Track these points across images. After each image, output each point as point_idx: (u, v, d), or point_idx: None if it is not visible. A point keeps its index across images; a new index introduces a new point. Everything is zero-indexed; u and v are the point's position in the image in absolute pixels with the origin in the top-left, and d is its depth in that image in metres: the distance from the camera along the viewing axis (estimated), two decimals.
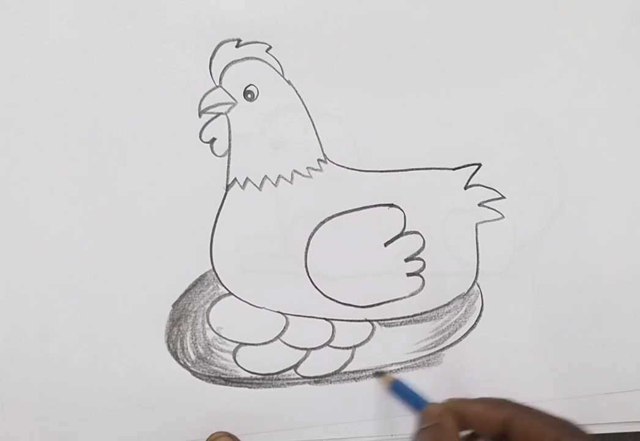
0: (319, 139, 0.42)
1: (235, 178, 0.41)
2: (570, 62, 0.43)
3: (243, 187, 0.41)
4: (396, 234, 0.42)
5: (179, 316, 0.41)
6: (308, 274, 0.41)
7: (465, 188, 0.42)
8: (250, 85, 0.41)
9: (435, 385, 0.41)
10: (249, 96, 0.41)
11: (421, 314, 0.42)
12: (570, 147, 0.43)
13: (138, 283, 0.41)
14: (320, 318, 0.41)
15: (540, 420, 0.33)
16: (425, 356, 0.42)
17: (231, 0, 0.41)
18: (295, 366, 0.41)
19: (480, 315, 0.42)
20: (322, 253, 0.41)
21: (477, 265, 0.42)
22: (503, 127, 0.43)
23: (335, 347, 0.41)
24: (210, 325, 0.41)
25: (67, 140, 0.41)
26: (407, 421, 0.41)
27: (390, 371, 0.41)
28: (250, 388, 0.41)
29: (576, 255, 0.42)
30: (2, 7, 0.41)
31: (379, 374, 0.41)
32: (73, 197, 0.41)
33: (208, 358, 0.41)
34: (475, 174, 0.42)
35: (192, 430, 0.41)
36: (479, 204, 0.43)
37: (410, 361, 0.42)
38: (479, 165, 0.42)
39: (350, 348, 0.42)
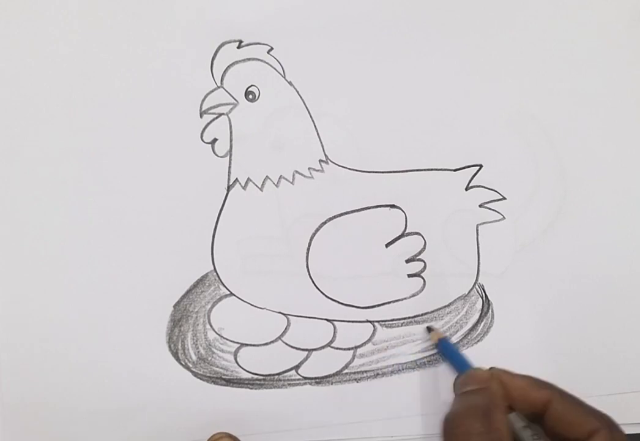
0: (320, 139, 0.42)
1: (236, 179, 0.41)
2: (570, 62, 0.43)
3: (244, 187, 0.41)
4: (397, 235, 0.42)
5: (180, 316, 0.41)
6: (309, 274, 0.41)
7: (467, 189, 0.42)
8: (251, 86, 0.41)
9: (436, 386, 0.41)
10: (251, 96, 0.41)
11: (422, 315, 0.42)
12: (571, 147, 0.43)
13: (139, 283, 0.41)
14: (321, 319, 0.41)
15: (581, 409, 0.33)
16: (426, 357, 0.42)
17: (233, 1, 0.41)
18: (296, 367, 0.41)
19: (481, 316, 0.42)
20: (324, 254, 0.41)
21: (478, 266, 0.42)
22: (504, 128, 0.43)
23: (337, 348, 0.41)
24: (211, 326, 0.41)
25: (68, 140, 0.41)
26: (407, 422, 0.42)
27: (392, 371, 0.41)
28: (252, 388, 0.41)
29: (577, 256, 0.42)
30: (2, 7, 0.41)
31: (429, 329, 0.41)
32: (74, 198, 0.41)
33: (209, 358, 0.41)
34: (476, 175, 0.42)
35: (193, 430, 0.40)
36: (480, 205, 0.43)
37: (412, 362, 0.42)
38: (480, 166, 0.42)
39: (352, 348, 0.41)
